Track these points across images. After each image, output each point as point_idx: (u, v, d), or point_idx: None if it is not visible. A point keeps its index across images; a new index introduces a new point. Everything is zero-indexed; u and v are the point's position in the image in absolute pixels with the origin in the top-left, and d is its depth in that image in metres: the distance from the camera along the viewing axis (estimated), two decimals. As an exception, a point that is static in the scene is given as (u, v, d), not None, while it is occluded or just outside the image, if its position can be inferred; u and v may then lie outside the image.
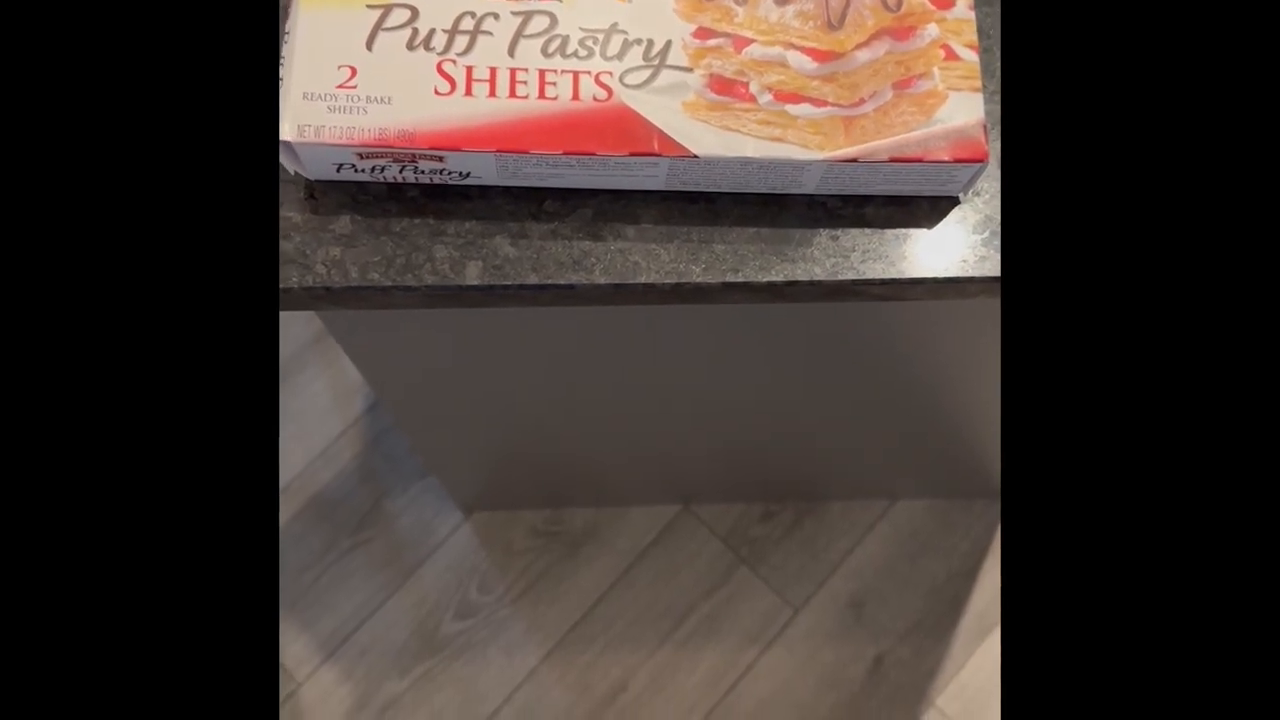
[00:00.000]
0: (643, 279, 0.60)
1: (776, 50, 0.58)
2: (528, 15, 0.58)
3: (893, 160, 0.58)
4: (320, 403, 1.57)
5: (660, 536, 1.54)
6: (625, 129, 0.57)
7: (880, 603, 1.53)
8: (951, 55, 0.59)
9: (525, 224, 0.60)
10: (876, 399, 1.01)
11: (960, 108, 0.58)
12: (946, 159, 0.58)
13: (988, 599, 1.53)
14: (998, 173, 0.62)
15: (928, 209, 0.62)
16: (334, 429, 1.56)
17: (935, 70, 0.59)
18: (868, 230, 0.61)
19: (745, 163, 0.58)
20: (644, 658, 1.50)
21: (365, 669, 1.48)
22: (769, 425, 1.12)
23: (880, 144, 0.58)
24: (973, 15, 0.59)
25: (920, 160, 0.58)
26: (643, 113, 0.57)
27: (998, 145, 0.63)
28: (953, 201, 0.62)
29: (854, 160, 0.58)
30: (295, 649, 1.48)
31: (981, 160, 0.58)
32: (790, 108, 0.58)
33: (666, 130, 0.57)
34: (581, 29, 0.58)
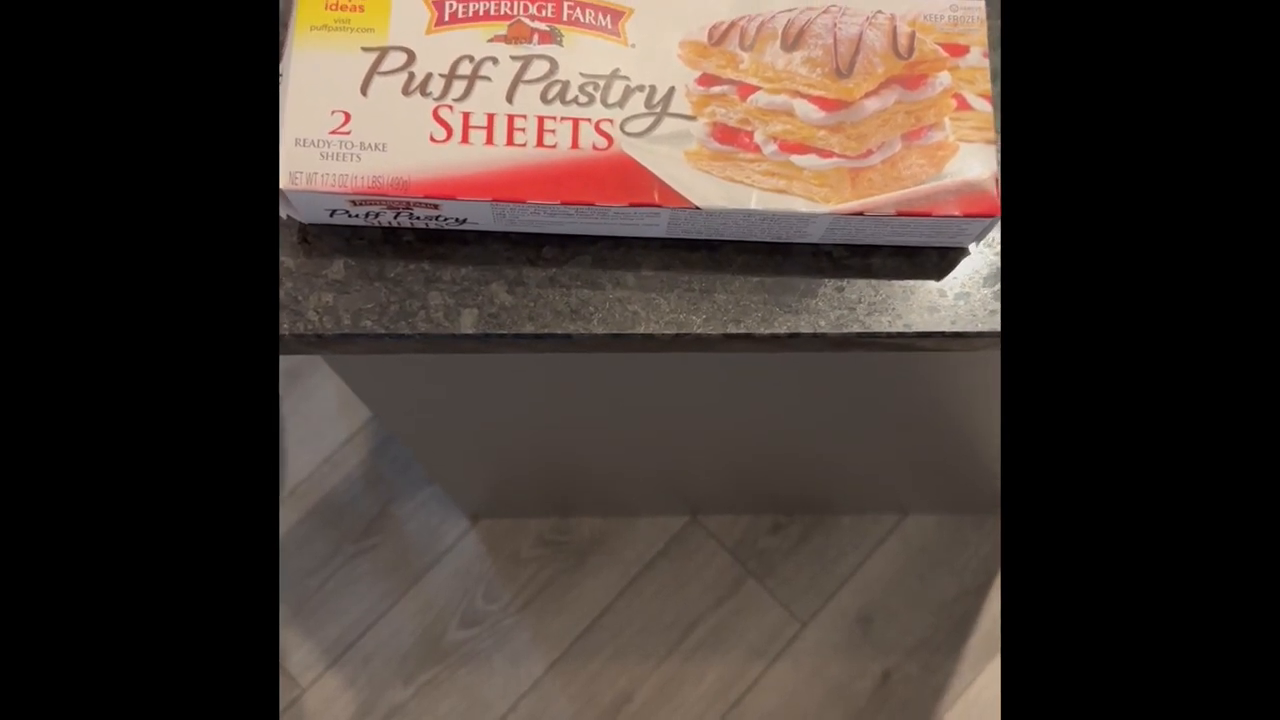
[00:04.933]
0: (642, 329, 0.58)
1: (782, 98, 0.57)
2: (527, 60, 0.56)
3: (900, 214, 0.56)
4: (328, 407, 1.56)
5: (668, 547, 1.53)
6: (625, 179, 0.55)
7: (889, 618, 1.52)
8: (964, 105, 0.57)
9: (522, 270, 0.59)
10: (886, 425, 0.99)
11: (972, 160, 0.57)
12: (956, 214, 0.56)
13: (997, 617, 1.51)
14: (1009, 223, 0.61)
15: (937, 260, 0.60)
16: (341, 433, 1.55)
17: (946, 121, 0.57)
18: (874, 281, 0.60)
19: (748, 214, 0.56)
20: (650, 669, 1.49)
21: (369, 676, 1.47)
22: (776, 446, 1.11)
23: (887, 198, 0.56)
24: (987, 63, 0.58)
25: (929, 215, 0.56)
26: (643, 162, 0.56)
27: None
28: (963, 253, 0.60)
29: (860, 214, 0.56)
30: (299, 655, 1.47)
31: (993, 215, 0.56)
32: (796, 158, 0.56)
33: (667, 180, 0.56)
34: (582, 74, 0.56)
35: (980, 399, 0.88)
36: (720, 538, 1.54)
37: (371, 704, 1.47)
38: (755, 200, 0.56)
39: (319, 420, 1.55)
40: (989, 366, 0.78)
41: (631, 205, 0.55)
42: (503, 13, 0.57)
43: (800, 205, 0.56)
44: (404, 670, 1.47)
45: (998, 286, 0.60)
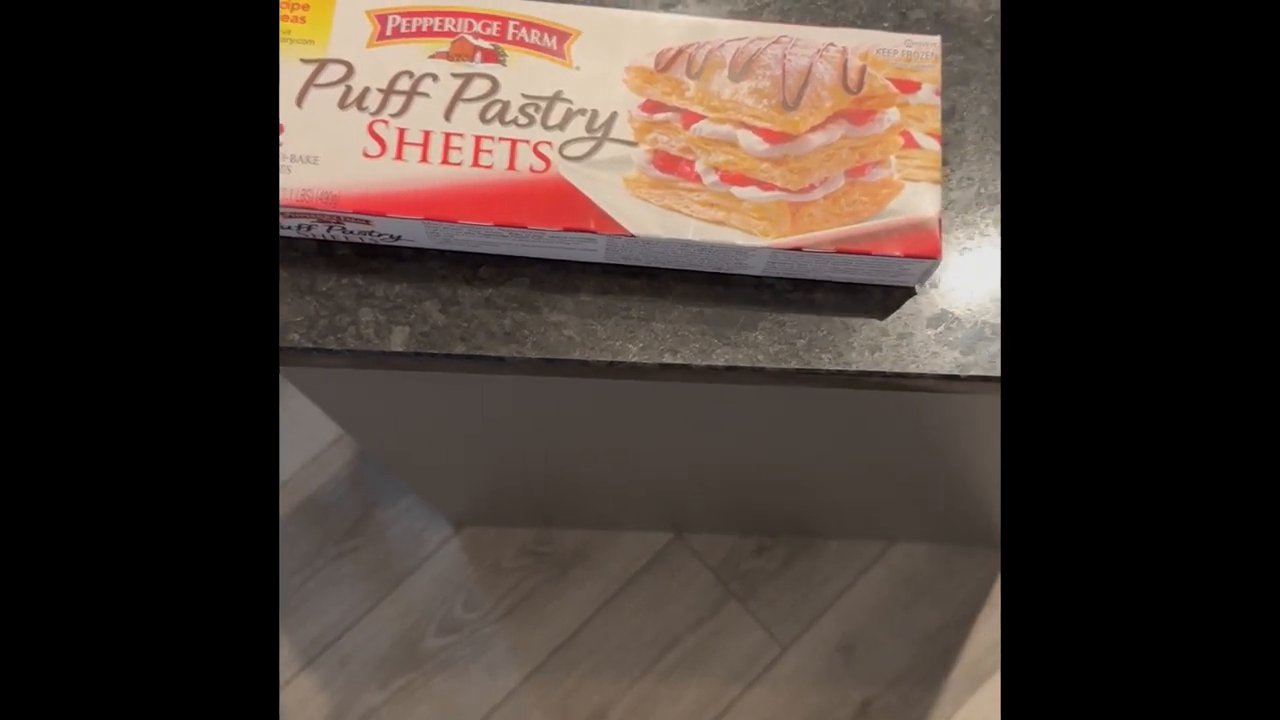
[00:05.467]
0: (577, 355, 0.57)
1: (726, 129, 0.56)
2: (468, 78, 0.55)
3: (840, 251, 0.55)
4: (316, 408, 1.55)
5: (651, 564, 1.52)
6: (561, 203, 0.55)
7: (871, 647, 1.50)
8: (911, 143, 0.56)
9: (458, 290, 0.58)
10: (869, 455, 0.98)
11: (916, 199, 0.56)
12: (897, 254, 0.55)
13: (981, 650, 1.50)
14: (959, 264, 0.59)
15: (881, 298, 0.59)
16: (329, 434, 1.55)
17: (892, 158, 0.56)
18: (816, 317, 0.59)
19: (686, 245, 0.55)
20: (626, 687, 1.48)
21: (345, 678, 1.47)
22: (759, 470, 1.10)
23: (827, 234, 0.55)
24: (938, 101, 0.57)
25: (868, 253, 0.55)
26: (581, 187, 0.55)
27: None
28: (908, 292, 0.59)
29: (798, 250, 0.55)
30: (275, 653, 1.47)
31: (934, 257, 0.55)
32: (736, 190, 0.55)
33: (604, 207, 0.55)
34: (524, 95, 0.56)
35: (968, 434, 0.87)
36: (704, 557, 1.53)
37: (346, 706, 1.46)
38: (693, 231, 0.55)
39: (307, 421, 1.55)
40: (975, 403, 0.76)
41: (566, 230, 0.54)
42: (446, 30, 0.56)
43: (738, 238, 0.55)
44: (380, 674, 1.47)
45: (941, 328, 0.59)
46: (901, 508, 1.33)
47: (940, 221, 0.55)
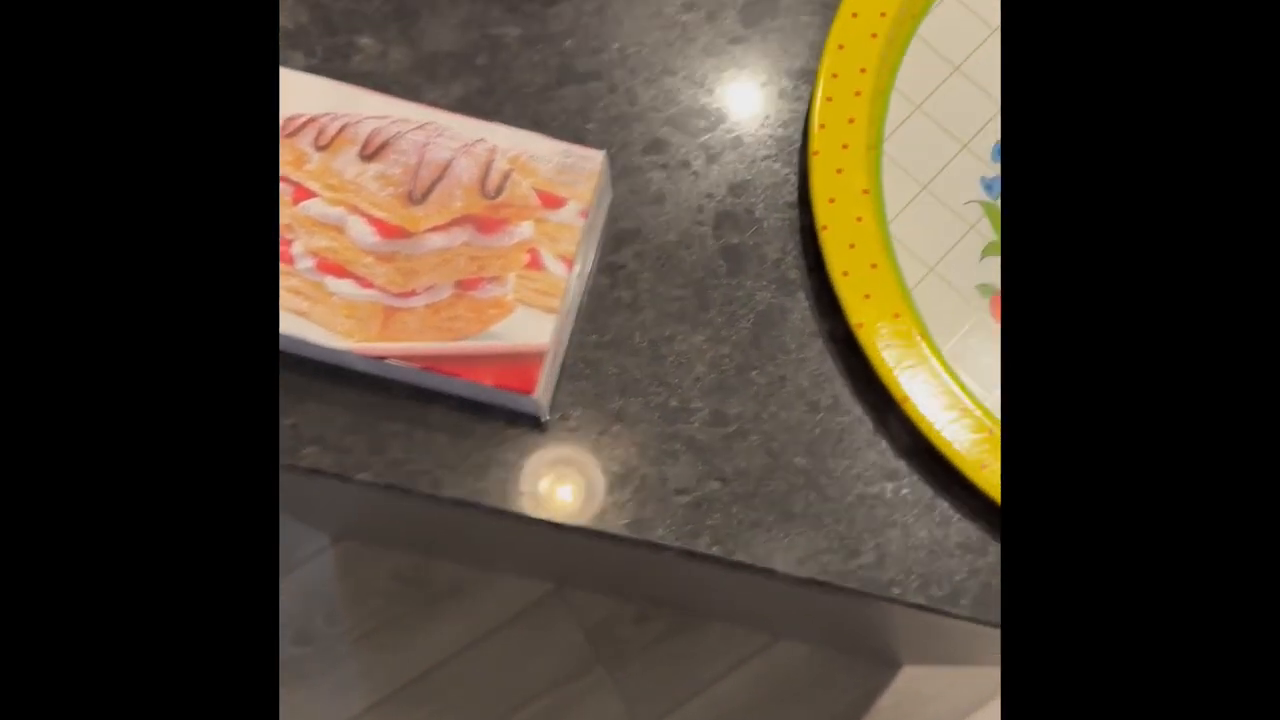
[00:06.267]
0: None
1: (339, 212, 0.51)
2: (67, 111, 0.51)
3: (426, 368, 0.50)
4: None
5: (524, 613, 1.47)
6: (135, 263, 0.50)
7: (733, 742, 1.43)
8: (536, 263, 0.50)
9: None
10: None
11: (525, 326, 0.50)
12: (488, 382, 0.49)
13: (847, 769, 1.42)
14: (596, 400, 0.54)
15: (503, 425, 0.53)
16: (222, 421, 1.52)
17: (511, 277, 0.50)
18: (426, 432, 0.53)
19: (267, 331, 0.50)
20: (470, 734, 1.43)
21: (192, 669, 1.44)
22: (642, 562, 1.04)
23: (416, 347, 0.50)
24: (581, 224, 0.51)
25: (456, 375, 0.50)
26: (159, 249, 0.50)
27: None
28: (534, 422, 0.53)
29: (382, 358, 0.50)
30: (126, 631, 1.44)
31: (527, 392, 0.49)
32: (330, 281, 0.50)
33: (179, 275, 0.50)
34: (124, 139, 0.51)
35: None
36: (580, 615, 1.47)
37: (185, 699, 1.43)
38: (273, 317, 0.50)
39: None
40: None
41: (132, 293, 0.50)
42: (61, 55, 0.52)
43: (317, 335, 0.50)
44: (226, 673, 1.43)
45: (560, 468, 0.53)
46: (789, 612, 1.27)
47: (542, 354, 0.50)
